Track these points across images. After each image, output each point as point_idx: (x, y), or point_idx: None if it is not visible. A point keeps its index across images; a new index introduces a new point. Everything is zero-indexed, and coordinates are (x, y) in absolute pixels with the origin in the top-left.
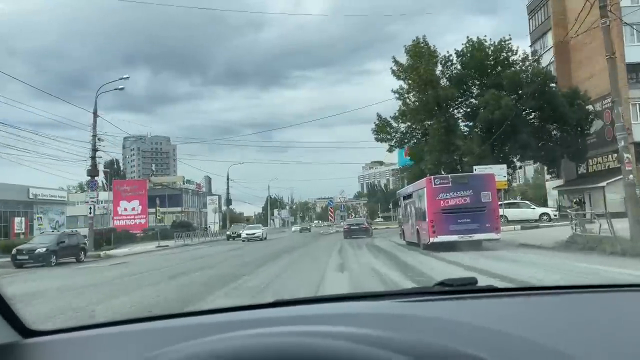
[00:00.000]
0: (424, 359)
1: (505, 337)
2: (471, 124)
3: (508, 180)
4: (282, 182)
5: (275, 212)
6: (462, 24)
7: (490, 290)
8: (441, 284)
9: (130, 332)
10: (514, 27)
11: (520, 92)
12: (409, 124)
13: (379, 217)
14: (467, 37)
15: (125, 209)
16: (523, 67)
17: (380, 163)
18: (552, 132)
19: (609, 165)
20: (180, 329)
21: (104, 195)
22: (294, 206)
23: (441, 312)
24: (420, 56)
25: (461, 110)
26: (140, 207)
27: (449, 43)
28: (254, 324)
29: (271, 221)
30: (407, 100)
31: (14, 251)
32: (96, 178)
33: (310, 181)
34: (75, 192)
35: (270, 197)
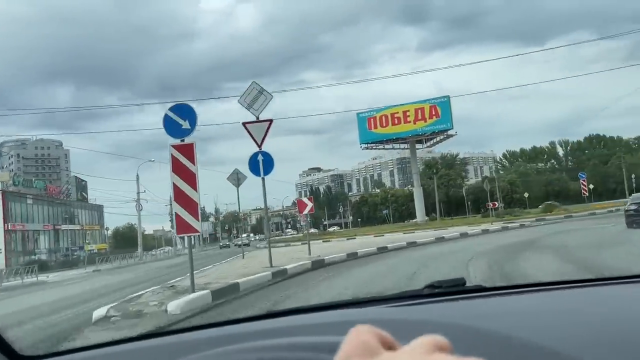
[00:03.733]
0: None
1: (494, 337)
2: None
3: None
4: (212, 196)
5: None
6: (392, 34)
7: (480, 289)
8: (430, 286)
9: (120, 353)
10: (440, 37)
11: None
12: None
13: (325, 227)
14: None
15: None
16: None
17: (318, 169)
18: None
19: None
20: (170, 347)
21: None
22: (221, 218)
23: (430, 315)
24: None
25: None
26: None
27: (380, 53)
28: (239, 338)
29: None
30: None
31: None
32: None
33: (248, 190)
34: None
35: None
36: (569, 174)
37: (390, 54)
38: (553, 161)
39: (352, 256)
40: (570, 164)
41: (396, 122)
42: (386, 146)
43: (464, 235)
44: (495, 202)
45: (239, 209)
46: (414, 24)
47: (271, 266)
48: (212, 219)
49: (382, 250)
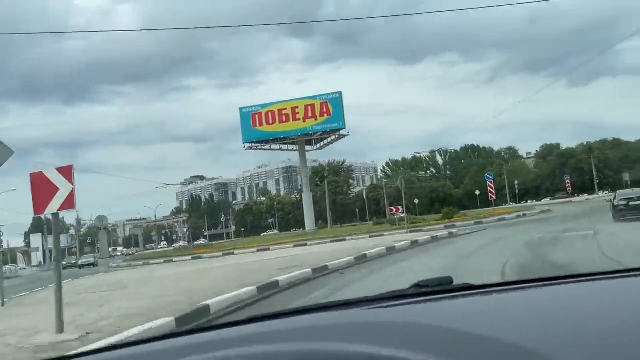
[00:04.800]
0: None
1: (479, 339)
2: None
3: None
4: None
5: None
6: (279, 44)
7: (466, 288)
8: (417, 285)
9: (132, 356)
10: (325, 51)
11: None
12: None
13: (203, 238)
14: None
15: None
16: None
17: (201, 178)
18: None
19: None
20: (173, 351)
21: None
22: (81, 230)
23: (415, 316)
24: None
25: None
26: None
27: (267, 63)
28: (218, 345)
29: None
30: None
31: None
32: None
33: (124, 200)
34: None
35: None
36: (450, 181)
37: (277, 64)
38: (433, 170)
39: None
40: (448, 172)
41: (284, 119)
42: (273, 146)
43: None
44: (399, 207)
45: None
46: (300, 36)
47: None
48: (72, 231)
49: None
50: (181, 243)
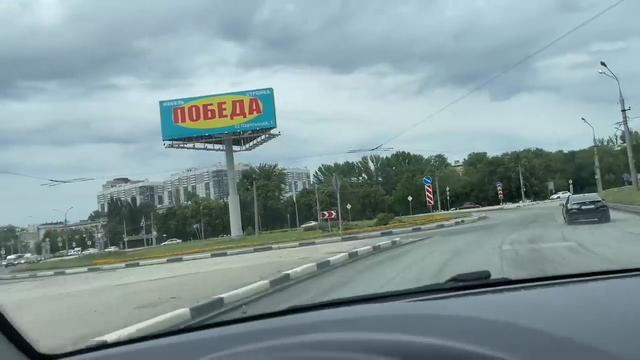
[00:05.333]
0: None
1: (523, 331)
2: None
3: None
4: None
5: None
6: (212, 47)
7: (505, 282)
8: (453, 279)
9: (144, 350)
10: (259, 56)
11: None
12: None
13: (123, 245)
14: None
15: None
16: None
17: (125, 180)
18: None
19: None
20: (192, 344)
21: None
22: None
23: (455, 309)
24: None
25: None
26: None
27: (200, 64)
28: (263, 335)
29: None
30: None
31: None
32: None
33: (39, 202)
34: None
35: None
36: (382, 187)
37: (210, 67)
38: (365, 176)
39: None
40: (380, 178)
41: (209, 115)
42: (197, 145)
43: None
44: (332, 212)
45: None
46: (234, 39)
47: None
48: None
49: None
50: (91, 250)
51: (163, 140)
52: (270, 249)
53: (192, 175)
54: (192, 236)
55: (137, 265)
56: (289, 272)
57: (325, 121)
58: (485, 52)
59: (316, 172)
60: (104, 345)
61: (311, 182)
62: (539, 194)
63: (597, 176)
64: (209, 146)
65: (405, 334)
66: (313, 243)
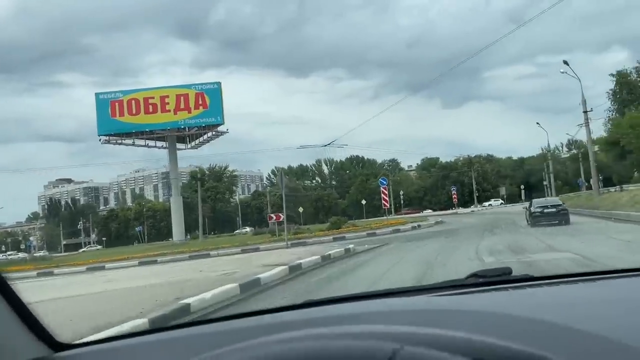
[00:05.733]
0: (471, 354)
1: (548, 326)
2: None
3: None
4: None
5: None
6: (165, 46)
7: (527, 279)
8: (474, 275)
9: (161, 341)
10: (214, 56)
11: None
12: None
13: (61, 250)
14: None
15: None
16: None
17: (69, 181)
18: None
19: None
20: (208, 336)
21: None
22: None
23: (479, 305)
24: None
25: None
26: None
27: (151, 63)
28: (282, 327)
29: None
30: None
31: None
32: None
33: None
34: None
35: None
36: (336, 191)
37: (162, 66)
38: (319, 179)
39: None
40: (334, 182)
41: (151, 109)
42: (137, 141)
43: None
44: (280, 214)
45: None
46: (189, 39)
47: None
48: None
49: None
50: (20, 255)
51: (99, 136)
52: (208, 256)
53: (140, 176)
54: (136, 240)
55: (52, 274)
56: (191, 300)
57: (280, 124)
58: (437, 61)
59: (269, 175)
60: (123, 336)
61: (264, 184)
62: (489, 199)
63: (546, 182)
64: (151, 143)
65: (431, 327)
66: (257, 249)
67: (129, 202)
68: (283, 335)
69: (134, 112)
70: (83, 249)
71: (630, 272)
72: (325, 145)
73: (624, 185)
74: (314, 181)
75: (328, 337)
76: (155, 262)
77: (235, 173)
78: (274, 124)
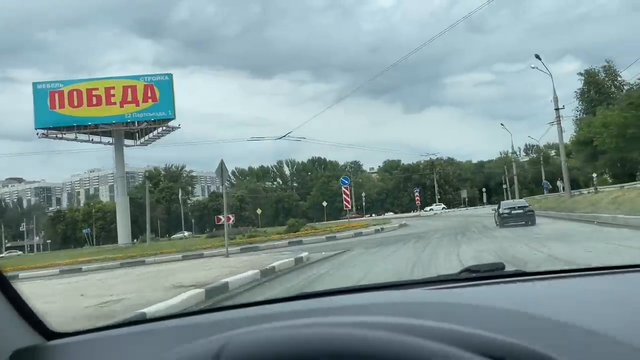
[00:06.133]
0: (464, 346)
1: (540, 321)
2: None
3: None
4: None
5: None
6: (125, 44)
7: (520, 274)
8: (467, 270)
9: (155, 330)
10: (176, 56)
11: None
12: None
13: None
14: None
15: None
16: None
17: (19, 180)
18: None
19: None
20: (203, 326)
21: None
22: None
23: (472, 299)
24: None
25: None
26: None
27: (111, 61)
28: (280, 316)
29: None
30: None
31: None
32: None
33: None
34: None
35: None
36: (296, 192)
37: (122, 64)
38: (280, 180)
39: None
40: (295, 184)
41: (94, 102)
42: (79, 136)
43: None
44: (230, 216)
45: None
46: (150, 37)
47: None
48: None
49: None
50: None
51: (35, 129)
52: (142, 263)
53: (95, 176)
54: (85, 242)
55: None
56: None
57: (242, 125)
58: (398, 66)
59: (229, 176)
60: (114, 325)
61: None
62: (450, 202)
63: (505, 185)
64: (96, 139)
65: (425, 319)
66: (202, 255)
67: (83, 204)
68: (273, 324)
69: (75, 104)
70: (1, 255)
71: (623, 268)
72: (280, 138)
73: (598, 187)
74: (275, 183)
75: (321, 326)
76: (79, 270)
77: (193, 174)
78: (236, 125)
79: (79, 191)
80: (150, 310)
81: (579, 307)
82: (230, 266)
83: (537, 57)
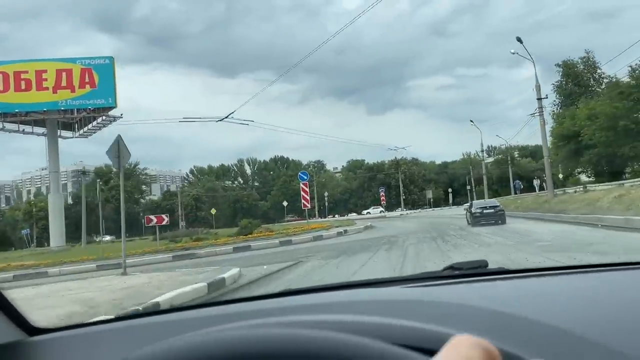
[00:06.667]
0: (428, 344)
1: (516, 319)
2: None
3: None
4: None
5: None
6: (83, 38)
7: (502, 272)
8: (450, 267)
9: (136, 327)
10: (137, 51)
11: None
12: None
13: None
14: None
15: None
16: None
17: None
18: None
19: None
20: (182, 322)
21: None
22: None
23: (450, 296)
24: None
25: None
26: None
27: (67, 55)
28: (255, 314)
29: None
30: None
31: None
32: None
33: None
34: None
35: None
36: (257, 192)
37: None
38: (240, 180)
39: None
40: (256, 183)
41: (24, 86)
42: (8, 126)
43: None
44: (163, 217)
45: None
46: (110, 32)
47: None
48: None
49: None
50: None
51: None
52: (45, 274)
53: (47, 174)
54: (25, 244)
55: None
56: None
57: (204, 124)
58: (363, 68)
59: (187, 174)
60: (96, 322)
61: (182, 183)
62: (415, 203)
63: (469, 186)
64: (27, 129)
65: (401, 318)
66: (119, 265)
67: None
68: (249, 322)
69: (1, 88)
70: None
71: (607, 266)
72: (221, 120)
73: (587, 185)
74: (235, 182)
75: (295, 325)
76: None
77: (147, 171)
78: (199, 123)
79: (30, 189)
80: None
81: (559, 306)
82: (90, 299)
83: (519, 40)
